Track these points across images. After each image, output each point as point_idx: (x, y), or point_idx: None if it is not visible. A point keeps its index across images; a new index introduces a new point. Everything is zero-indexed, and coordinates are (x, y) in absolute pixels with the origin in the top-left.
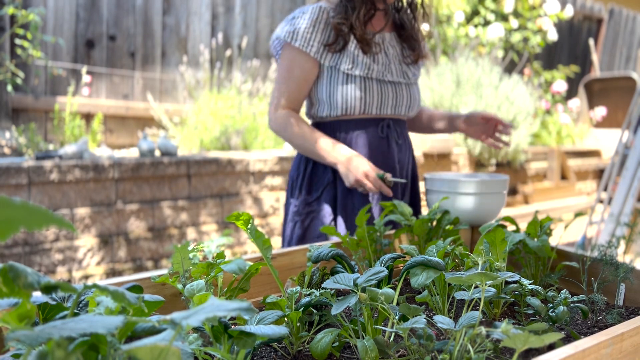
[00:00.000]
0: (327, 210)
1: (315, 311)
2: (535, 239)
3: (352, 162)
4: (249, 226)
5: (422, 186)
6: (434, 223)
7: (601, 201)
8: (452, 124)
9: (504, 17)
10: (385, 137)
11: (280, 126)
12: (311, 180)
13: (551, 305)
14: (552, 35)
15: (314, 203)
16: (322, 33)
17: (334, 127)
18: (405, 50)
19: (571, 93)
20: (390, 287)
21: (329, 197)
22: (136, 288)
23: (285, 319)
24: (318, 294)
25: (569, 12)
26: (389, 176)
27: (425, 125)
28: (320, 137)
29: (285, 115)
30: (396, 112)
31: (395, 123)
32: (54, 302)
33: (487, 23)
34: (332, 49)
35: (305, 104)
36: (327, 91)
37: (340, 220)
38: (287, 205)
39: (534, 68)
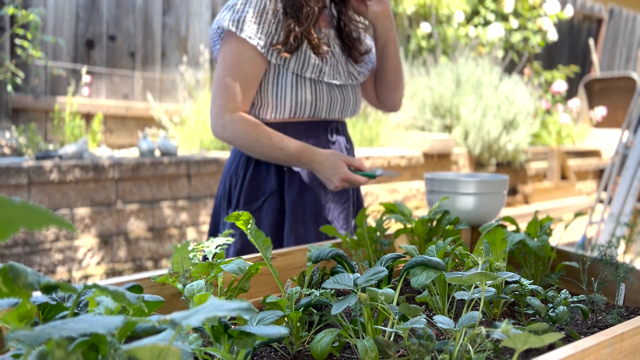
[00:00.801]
0: (269, 222)
1: (315, 311)
2: (535, 239)
3: (327, 168)
4: (248, 226)
5: (422, 186)
6: (434, 223)
7: (601, 201)
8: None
9: (504, 17)
10: (335, 141)
11: (232, 132)
12: (250, 187)
13: (551, 305)
14: (552, 35)
15: (255, 214)
16: (269, 25)
17: (280, 130)
18: (351, 47)
19: (571, 93)
20: (390, 287)
21: (271, 208)
22: (136, 288)
23: (285, 319)
24: (318, 294)
25: (569, 12)
26: (377, 171)
27: (380, 74)
28: (284, 140)
29: (237, 119)
30: (342, 115)
31: (342, 126)
32: (54, 302)
33: (487, 23)
34: (284, 50)
35: None
36: (274, 92)
37: (289, 232)
38: (219, 214)
39: (534, 68)
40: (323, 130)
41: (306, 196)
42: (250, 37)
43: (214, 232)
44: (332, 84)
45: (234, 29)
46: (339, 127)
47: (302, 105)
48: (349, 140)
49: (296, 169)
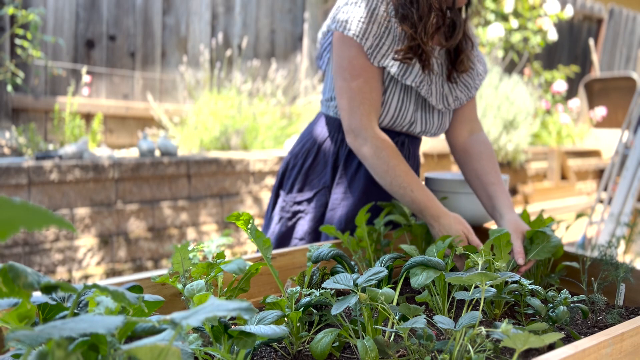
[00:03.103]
0: (314, 215)
1: (315, 311)
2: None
3: (448, 232)
4: (249, 226)
5: None
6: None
7: (601, 201)
8: (492, 212)
9: (504, 17)
10: None
11: (372, 150)
12: (307, 178)
13: (551, 305)
14: (552, 35)
15: (304, 203)
16: (378, 26)
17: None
18: (455, 65)
19: (571, 93)
20: (390, 287)
21: (320, 202)
22: (136, 288)
23: (285, 319)
24: (318, 294)
25: (569, 12)
26: None
27: (468, 177)
28: (417, 183)
29: (381, 138)
30: (420, 134)
31: (411, 141)
32: (54, 302)
33: (487, 23)
34: (403, 58)
35: (322, 87)
36: None
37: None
38: (274, 196)
39: (534, 68)
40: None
41: (344, 202)
42: (355, 36)
43: (272, 205)
44: (420, 103)
45: (342, 29)
46: (406, 142)
47: (384, 114)
48: (411, 156)
49: (342, 170)
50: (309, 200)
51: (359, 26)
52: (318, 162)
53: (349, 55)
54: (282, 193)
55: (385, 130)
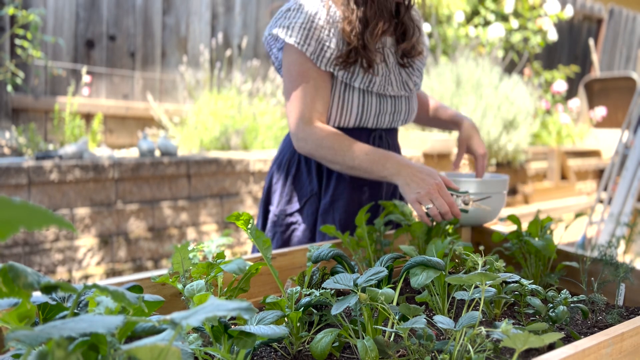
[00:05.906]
0: (307, 224)
1: (315, 311)
2: (537, 239)
3: (421, 171)
4: (249, 226)
5: None
6: (434, 223)
7: (601, 201)
8: (452, 127)
9: (504, 17)
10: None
11: (314, 143)
12: (293, 188)
13: (551, 305)
14: (552, 35)
15: (295, 214)
16: (321, 30)
17: None
18: (405, 51)
19: (571, 93)
20: (390, 287)
21: (311, 210)
22: (136, 288)
23: (285, 319)
24: (318, 294)
25: (569, 12)
26: (469, 198)
27: (428, 119)
28: (368, 146)
29: (318, 129)
30: (392, 124)
31: (388, 133)
32: (54, 302)
33: (487, 23)
34: (344, 63)
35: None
36: None
37: (319, 233)
38: (263, 212)
39: (534, 68)
40: (365, 136)
41: (337, 203)
42: (297, 44)
43: (262, 222)
44: (384, 94)
45: (282, 35)
46: (383, 135)
47: (348, 115)
48: (392, 147)
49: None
50: (299, 211)
51: (300, 32)
52: (301, 171)
53: (289, 61)
54: (271, 208)
55: (355, 130)
